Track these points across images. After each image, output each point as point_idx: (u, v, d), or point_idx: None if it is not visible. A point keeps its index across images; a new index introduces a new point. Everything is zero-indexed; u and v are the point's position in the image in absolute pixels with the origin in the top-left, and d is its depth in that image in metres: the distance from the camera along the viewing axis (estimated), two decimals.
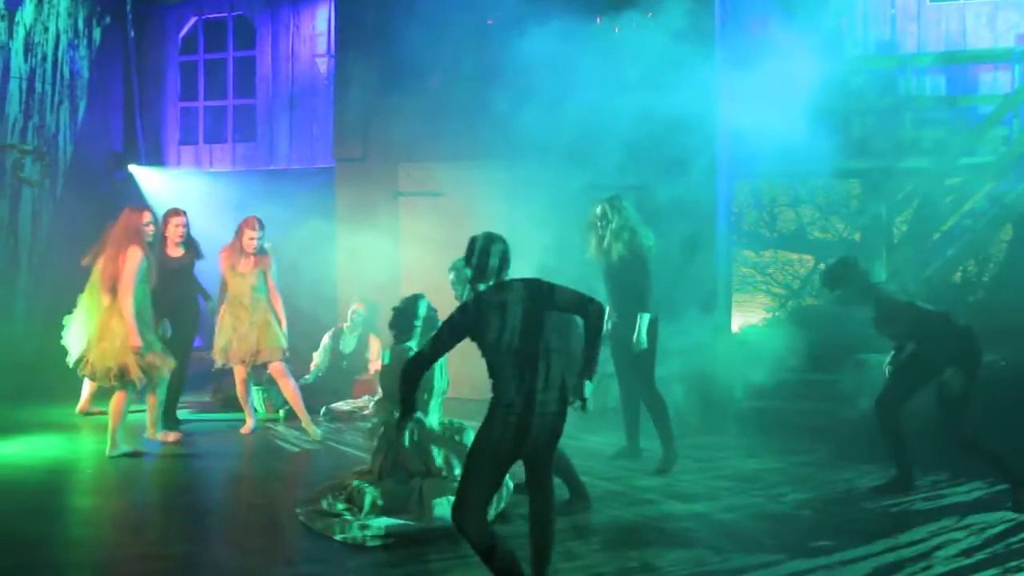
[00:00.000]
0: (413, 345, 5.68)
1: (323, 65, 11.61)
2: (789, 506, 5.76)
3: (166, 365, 7.15)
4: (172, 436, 7.55)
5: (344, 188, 10.08)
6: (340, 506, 5.35)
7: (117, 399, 6.93)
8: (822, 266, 10.03)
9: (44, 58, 10.85)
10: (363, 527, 5.05)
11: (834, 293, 6.13)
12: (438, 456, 5.45)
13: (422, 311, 5.81)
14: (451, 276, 5.93)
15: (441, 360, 4.83)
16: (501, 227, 8.29)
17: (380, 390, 5.99)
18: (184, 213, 8.20)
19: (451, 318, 4.10)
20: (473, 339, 4.07)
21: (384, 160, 9.79)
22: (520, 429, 3.92)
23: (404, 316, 5.79)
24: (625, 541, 5.04)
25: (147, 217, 7.36)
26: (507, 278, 4.18)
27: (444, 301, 5.69)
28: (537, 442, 4.00)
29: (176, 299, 7.94)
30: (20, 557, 4.74)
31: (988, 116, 8.98)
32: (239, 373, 7.86)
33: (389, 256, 9.59)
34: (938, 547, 4.95)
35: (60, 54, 11.10)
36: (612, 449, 6.99)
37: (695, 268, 8.17)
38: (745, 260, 10.05)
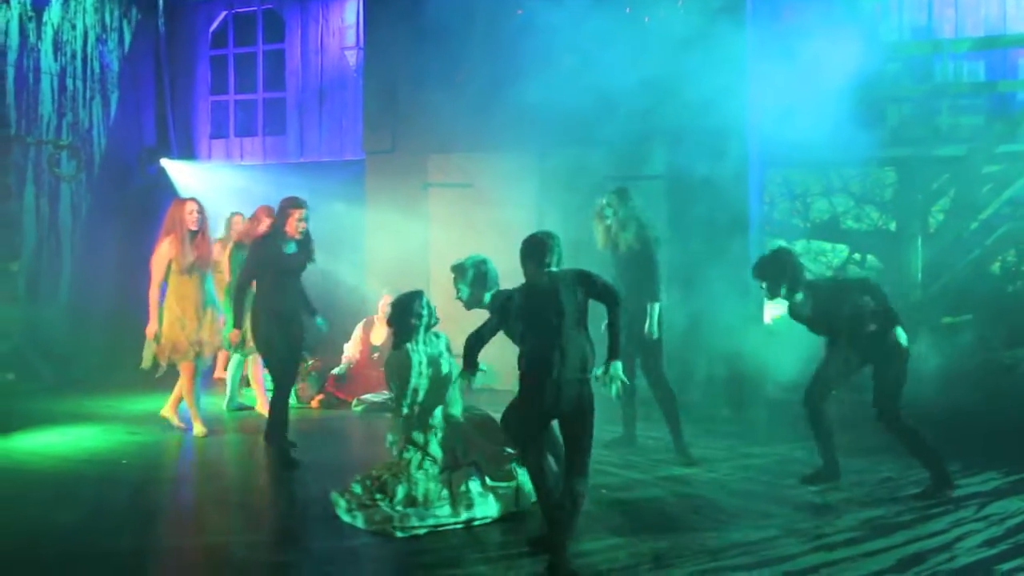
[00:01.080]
0: (412, 347, 5.61)
1: (352, 57, 11.63)
2: (810, 497, 5.71)
3: (206, 348, 7.43)
4: (200, 429, 7.46)
5: (374, 180, 10.09)
6: (375, 497, 5.35)
7: (182, 379, 7.40)
8: (857, 256, 9.94)
9: (73, 55, 10.97)
10: (394, 519, 5.05)
11: (764, 285, 5.92)
12: (465, 448, 5.45)
13: (422, 309, 5.69)
14: (453, 276, 5.84)
15: (443, 350, 5.67)
16: (530, 216, 8.35)
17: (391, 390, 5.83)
18: (305, 205, 6.86)
19: (503, 306, 4.81)
20: (515, 319, 4.66)
21: (413, 151, 9.79)
22: (547, 394, 4.44)
23: (401, 313, 5.66)
24: (638, 527, 5.02)
25: (189, 207, 7.37)
26: (555, 268, 4.66)
27: None
28: (564, 408, 4.45)
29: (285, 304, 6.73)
30: (57, 546, 4.80)
31: None
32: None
33: (419, 247, 9.60)
34: (960, 538, 4.91)
35: (89, 50, 11.22)
36: (608, 436, 6.93)
37: (727, 258, 8.08)
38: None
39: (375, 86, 10.12)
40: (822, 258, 10.05)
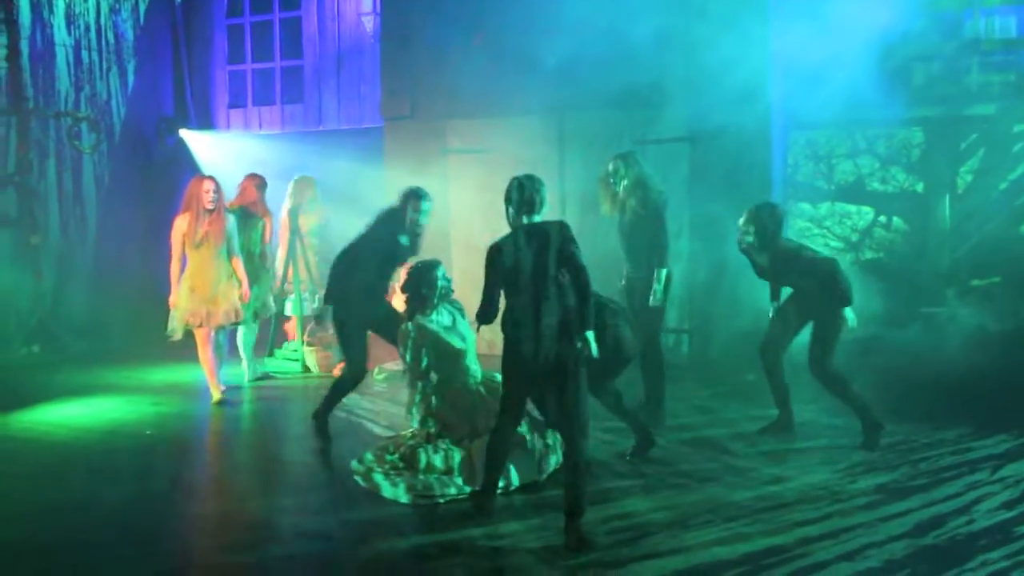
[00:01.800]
0: (435, 318, 5.57)
1: (369, 23, 11.51)
2: (822, 461, 5.68)
3: (217, 318, 7.51)
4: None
5: (393, 147, 10.03)
6: (398, 466, 5.36)
7: (198, 346, 7.55)
8: (883, 218, 9.78)
9: (87, 28, 10.92)
10: (416, 487, 5.06)
11: (745, 230, 6.21)
12: (484, 417, 5.42)
13: (436, 280, 5.64)
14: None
15: (459, 319, 5.67)
16: (550, 182, 8.23)
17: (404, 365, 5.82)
18: (426, 196, 6.74)
19: (490, 261, 4.55)
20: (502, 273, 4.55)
21: (432, 118, 9.70)
22: (526, 352, 4.42)
23: (415, 284, 5.63)
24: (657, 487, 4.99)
25: (207, 186, 7.51)
26: (538, 220, 4.61)
27: None
28: (547, 368, 4.43)
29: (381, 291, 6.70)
30: (81, 516, 4.84)
31: None
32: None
33: (439, 213, 9.49)
34: (976, 501, 4.87)
35: (103, 20, 11.16)
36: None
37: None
38: (802, 212, 9.79)
39: (392, 52, 10.02)
40: (847, 221, 9.89)
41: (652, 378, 6.61)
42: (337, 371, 8.80)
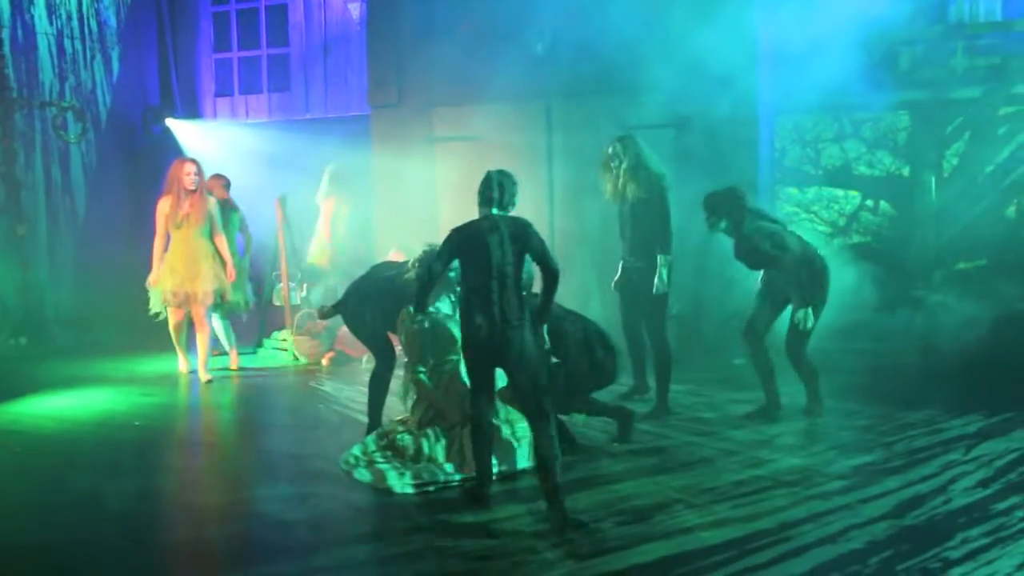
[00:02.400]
0: (437, 304, 5.57)
1: (355, 11, 11.46)
2: (798, 445, 5.72)
3: (196, 297, 7.86)
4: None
5: (380, 135, 9.99)
6: (382, 455, 5.37)
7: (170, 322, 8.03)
8: (869, 202, 9.81)
9: (69, 16, 10.79)
10: (406, 475, 5.08)
11: (714, 220, 6.25)
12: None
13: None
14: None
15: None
16: (538, 169, 8.23)
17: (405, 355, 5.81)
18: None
19: (449, 240, 4.66)
20: (460, 262, 4.66)
21: (419, 105, 9.67)
22: (482, 336, 4.53)
23: (426, 264, 5.56)
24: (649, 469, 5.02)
25: (187, 168, 7.94)
26: (504, 213, 4.73)
27: None
28: (503, 354, 4.54)
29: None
30: (71, 509, 4.84)
31: None
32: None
33: (427, 201, 9.53)
34: (952, 480, 4.94)
35: (85, 8, 11.03)
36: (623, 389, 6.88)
37: None
38: (789, 197, 9.81)
39: (379, 39, 9.97)
40: (834, 205, 9.91)
41: (663, 368, 6.48)
42: (326, 360, 8.82)
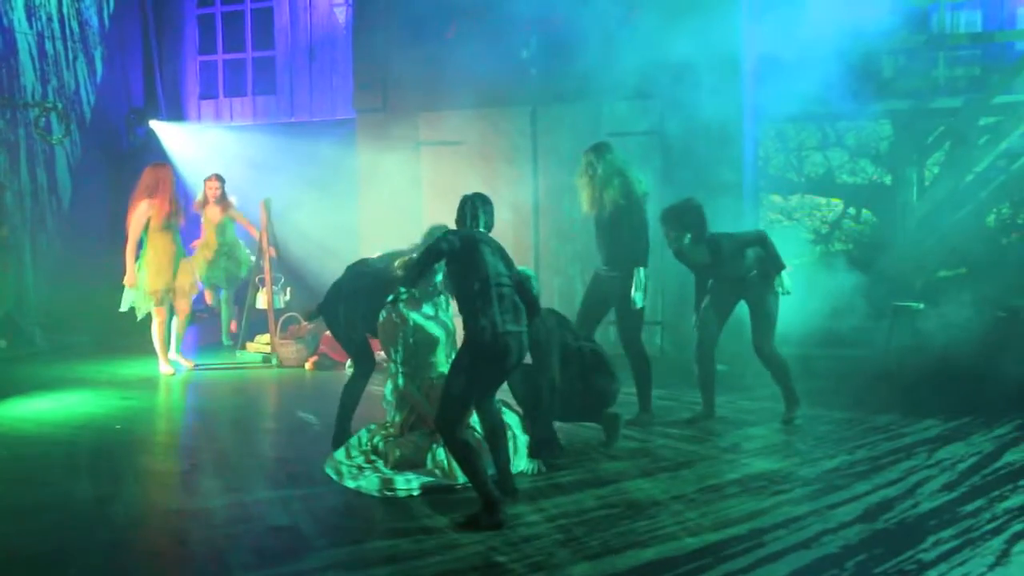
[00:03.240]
0: (405, 308, 5.54)
1: (341, 14, 11.46)
2: (761, 450, 5.72)
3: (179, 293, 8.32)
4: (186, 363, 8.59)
5: (365, 139, 9.98)
6: (371, 459, 5.36)
7: (155, 322, 8.30)
8: (852, 210, 9.90)
9: (49, 18, 10.66)
10: (389, 480, 5.07)
11: (677, 235, 6.17)
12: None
13: (436, 273, 5.44)
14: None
15: (443, 312, 5.57)
16: (524, 174, 8.24)
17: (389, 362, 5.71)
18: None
19: (446, 239, 4.62)
20: (458, 264, 4.64)
21: (404, 109, 9.68)
22: (507, 350, 4.56)
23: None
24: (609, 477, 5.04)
25: (168, 171, 8.40)
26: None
27: None
28: (512, 363, 4.63)
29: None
30: (50, 513, 4.81)
31: None
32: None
33: (411, 206, 9.53)
34: (919, 484, 4.99)
35: (66, 9, 10.91)
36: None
37: (721, 214, 8.03)
38: (772, 205, 9.89)
39: (365, 43, 9.97)
40: (817, 213, 10.00)
41: (640, 377, 6.41)
42: (310, 364, 8.79)
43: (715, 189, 8.07)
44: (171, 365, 8.39)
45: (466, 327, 4.59)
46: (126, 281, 8.15)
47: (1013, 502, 4.69)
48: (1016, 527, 4.36)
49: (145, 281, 8.12)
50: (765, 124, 9.58)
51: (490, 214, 4.88)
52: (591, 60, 8.27)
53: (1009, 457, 5.49)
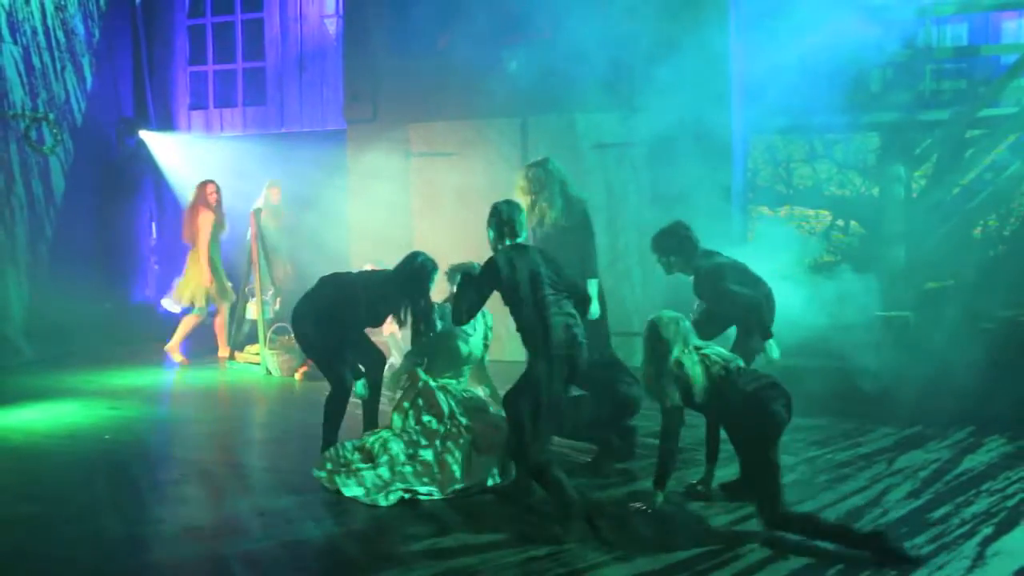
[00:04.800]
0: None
1: (332, 26, 11.49)
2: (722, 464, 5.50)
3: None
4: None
5: (356, 150, 10.01)
6: (359, 465, 5.34)
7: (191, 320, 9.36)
8: (840, 222, 9.95)
9: (34, 32, 10.55)
10: (382, 487, 5.06)
11: (662, 259, 5.77)
12: (461, 417, 5.46)
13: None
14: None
15: (480, 329, 5.73)
16: (513, 186, 8.23)
17: (411, 346, 5.84)
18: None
19: (492, 268, 4.78)
20: (504, 288, 4.76)
21: (395, 121, 9.70)
22: (572, 365, 4.72)
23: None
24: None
25: (213, 188, 9.36)
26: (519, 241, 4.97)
27: (457, 260, 5.70)
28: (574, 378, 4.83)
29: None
30: (36, 522, 4.78)
31: (1011, 66, 8.77)
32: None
33: (402, 217, 9.55)
34: (884, 492, 5.05)
35: (50, 20, 10.82)
36: None
37: (710, 225, 8.06)
38: (761, 217, 9.93)
39: (355, 54, 10.01)
40: (805, 225, 10.04)
41: None
42: (299, 374, 8.78)
43: (703, 201, 8.11)
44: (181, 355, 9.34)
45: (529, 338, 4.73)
46: (202, 280, 9.10)
47: (979, 507, 4.80)
48: (985, 531, 4.46)
49: (199, 282, 9.13)
50: (754, 137, 9.63)
51: (511, 225, 5.02)
52: (580, 72, 8.30)
53: (968, 463, 5.60)
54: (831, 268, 9.31)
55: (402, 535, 4.54)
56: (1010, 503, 4.87)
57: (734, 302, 5.50)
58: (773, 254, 6.95)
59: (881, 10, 9.38)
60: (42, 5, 10.72)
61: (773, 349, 5.57)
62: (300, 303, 5.77)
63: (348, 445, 5.51)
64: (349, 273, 6.07)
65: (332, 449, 5.47)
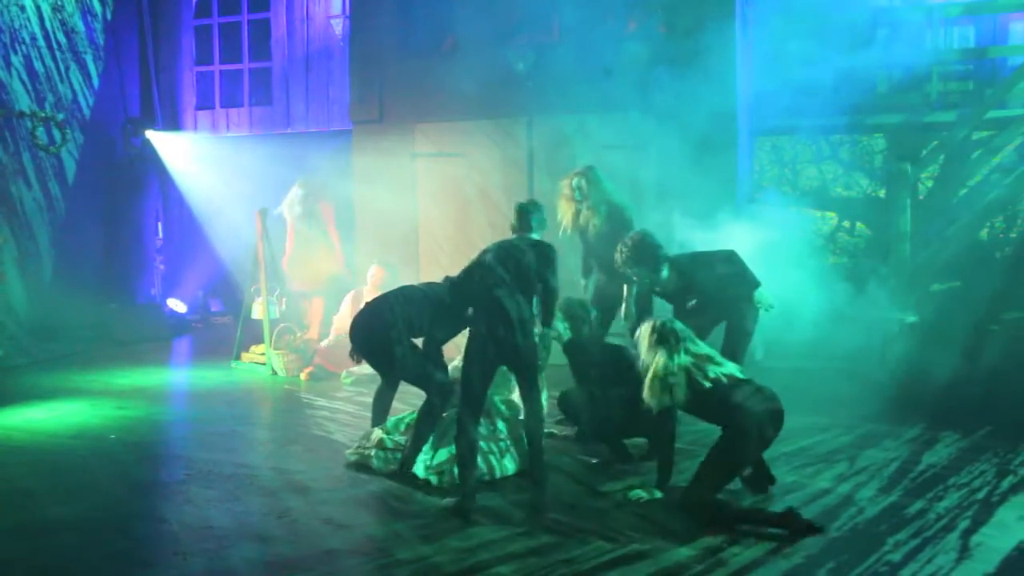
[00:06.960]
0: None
1: (338, 26, 11.50)
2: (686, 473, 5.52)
3: None
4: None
5: (361, 150, 10.00)
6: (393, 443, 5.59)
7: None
8: (846, 223, 9.93)
9: (33, 38, 10.51)
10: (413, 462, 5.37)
11: (636, 272, 5.85)
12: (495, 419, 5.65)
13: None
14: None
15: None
16: (519, 186, 8.29)
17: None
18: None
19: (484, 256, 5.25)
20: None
21: (401, 121, 9.70)
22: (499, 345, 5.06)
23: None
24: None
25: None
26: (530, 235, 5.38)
27: (462, 263, 5.70)
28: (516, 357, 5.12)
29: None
30: (43, 521, 4.79)
31: (1018, 67, 8.74)
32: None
33: (408, 217, 9.55)
34: (855, 491, 5.08)
35: (48, 24, 10.79)
36: None
37: (715, 226, 8.06)
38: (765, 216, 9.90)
39: (361, 55, 10.00)
40: (811, 226, 10.01)
41: None
42: (305, 375, 8.78)
43: (709, 202, 8.10)
44: None
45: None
46: (342, 264, 9.55)
47: (950, 501, 4.88)
48: (963, 523, 4.53)
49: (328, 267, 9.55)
50: (760, 138, 9.62)
51: (524, 223, 5.49)
52: (587, 72, 8.30)
53: (928, 459, 5.65)
54: (838, 269, 9.31)
55: (418, 536, 4.54)
56: (979, 495, 4.95)
57: (715, 260, 5.88)
58: (780, 250, 6.96)
59: (888, 11, 9.38)
60: (38, 9, 10.68)
61: (765, 298, 5.80)
62: (378, 320, 5.63)
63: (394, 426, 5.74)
64: (412, 286, 6.03)
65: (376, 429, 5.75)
